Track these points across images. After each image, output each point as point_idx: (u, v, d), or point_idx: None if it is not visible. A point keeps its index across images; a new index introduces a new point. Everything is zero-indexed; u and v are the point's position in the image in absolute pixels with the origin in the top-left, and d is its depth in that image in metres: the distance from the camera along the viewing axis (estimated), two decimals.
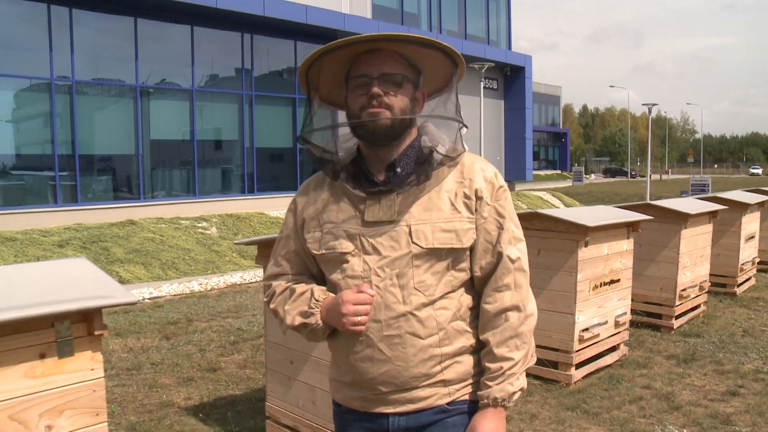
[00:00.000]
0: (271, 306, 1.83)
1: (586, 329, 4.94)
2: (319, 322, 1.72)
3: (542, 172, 54.13)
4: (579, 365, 4.99)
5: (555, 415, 4.33)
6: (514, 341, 1.69)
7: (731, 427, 4.18)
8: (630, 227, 5.45)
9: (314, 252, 1.76)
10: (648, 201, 6.46)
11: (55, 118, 14.17)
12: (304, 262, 1.83)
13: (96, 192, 15.19)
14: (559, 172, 59.24)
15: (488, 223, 1.72)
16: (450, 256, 1.68)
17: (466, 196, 1.71)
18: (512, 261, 1.71)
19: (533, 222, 4.95)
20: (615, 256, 5.27)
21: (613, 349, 5.44)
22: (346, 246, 1.69)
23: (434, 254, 1.67)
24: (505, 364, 1.68)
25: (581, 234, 4.78)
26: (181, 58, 16.38)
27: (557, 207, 23.11)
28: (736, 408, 4.50)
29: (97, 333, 2.11)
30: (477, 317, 1.75)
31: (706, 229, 7.02)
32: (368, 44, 1.68)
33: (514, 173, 25.87)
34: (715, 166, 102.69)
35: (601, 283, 5.10)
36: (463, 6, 24.49)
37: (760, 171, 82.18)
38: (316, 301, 1.73)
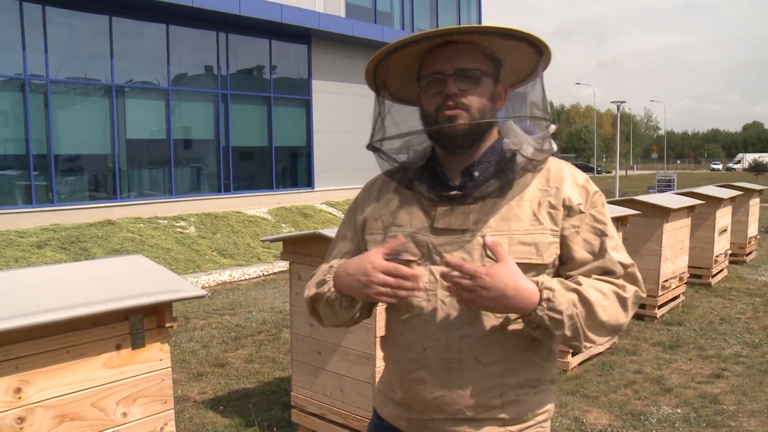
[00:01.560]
0: (305, 293, 1.67)
1: None
2: (332, 289, 1.56)
3: None
4: (574, 353, 5.24)
5: (557, 399, 4.57)
6: (597, 293, 1.44)
7: (720, 406, 4.47)
8: (619, 221, 5.72)
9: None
10: (633, 197, 6.75)
11: (29, 117, 14.06)
12: None
13: (72, 192, 15.09)
14: None
15: (585, 233, 1.53)
16: (528, 272, 1.45)
17: (552, 206, 1.53)
18: (625, 266, 1.52)
19: None
20: None
21: None
22: (412, 252, 1.54)
23: None
24: (575, 286, 1.44)
25: None
26: (157, 57, 16.33)
27: None
28: (722, 389, 4.80)
29: (167, 325, 2.26)
30: (550, 350, 1.58)
31: (685, 223, 7.34)
32: (439, 39, 1.53)
33: None
34: (678, 161, 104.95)
35: None
36: (435, 4, 24.75)
37: (720, 167, 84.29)
38: (331, 267, 1.60)
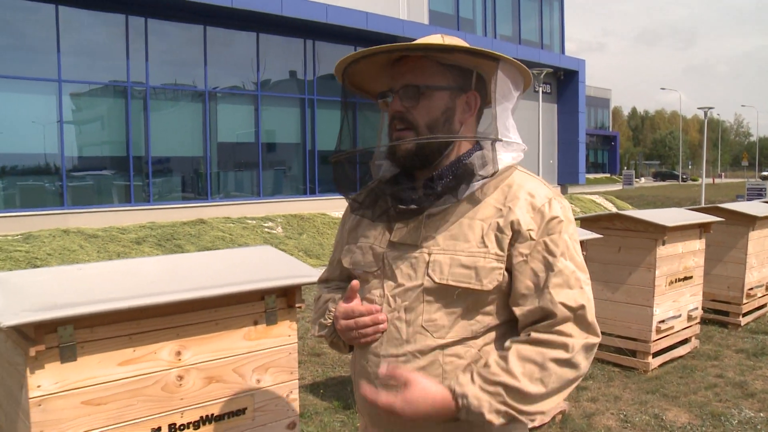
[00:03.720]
0: (312, 330, 1.76)
1: (663, 321, 5.34)
2: (334, 334, 1.65)
3: (591, 176, 53.86)
4: (655, 354, 5.39)
5: (636, 397, 4.75)
6: (532, 367, 1.38)
7: None
8: (702, 228, 5.82)
9: (345, 265, 1.67)
10: (717, 205, 6.80)
11: (131, 121, 14.98)
12: (348, 272, 1.71)
13: (166, 192, 15.96)
14: (608, 175, 58.81)
15: (533, 262, 1.44)
16: (466, 297, 1.44)
17: (499, 229, 1.44)
18: (570, 309, 1.41)
19: (614, 222, 5.36)
20: (688, 255, 5.65)
21: (685, 341, 5.81)
22: (370, 264, 1.57)
23: (446, 292, 1.45)
24: (498, 372, 1.38)
25: (660, 233, 5.18)
26: (247, 63, 17.09)
27: (610, 210, 23.24)
28: None
29: (296, 305, 2.63)
30: None
31: None
32: (388, 55, 1.52)
33: (566, 177, 26.07)
34: None
35: (676, 279, 5.49)
36: (517, 10, 24.82)
37: None
38: (330, 312, 1.65)
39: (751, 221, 6.65)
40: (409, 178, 1.56)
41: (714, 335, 6.46)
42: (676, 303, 5.54)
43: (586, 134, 54.70)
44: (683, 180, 62.42)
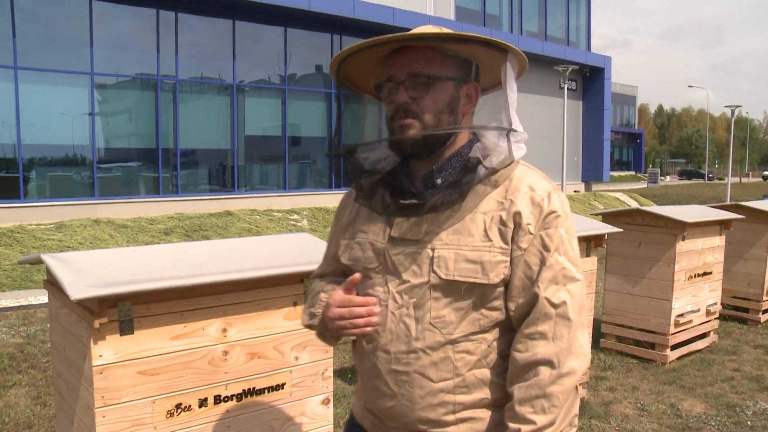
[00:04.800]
0: (302, 319, 1.74)
1: (681, 315, 5.47)
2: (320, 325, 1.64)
3: (616, 173, 53.65)
4: (674, 347, 5.52)
5: (654, 388, 4.89)
6: (540, 402, 1.41)
7: None
8: (722, 225, 5.93)
9: (343, 261, 1.64)
10: (739, 202, 6.89)
11: (160, 113, 15.27)
12: (343, 268, 1.70)
13: (194, 184, 16.25)
14: (633, 173, 58.53)
15: (529, 255, 1.46)
16: (474, 292, 1.45)
17: (502, 222, 1.46)
18: (554, 306, 1.44)
19: (635, 217, 5.50)
20: (708, 251, 5.77)
21: (704, 336, 5.93)
22: (370, 260, 1.55)
23: (453, 287, 1.45)
24: (525, 428, 1.41)
25: (680, 229, 5.30)
26: (275, 58, 17.32)
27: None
28: None
29: None
30: None
31: None
32: (397, 43, 1.48)
33: (591, 174, 26.05)
34: None
35: (695, 274, 5.61)
36: (543, 7, 24.82)
37: None
38: (321, 301, 1.62)
39: None
40: (407, 172, 1.57)
41: (733, 331, 6.57)
42: (695, 297, 5.66)
43: (611, 131, 54.49)
44: (709, 179, 61.86)
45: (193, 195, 15.82)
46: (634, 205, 24.58)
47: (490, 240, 1.45)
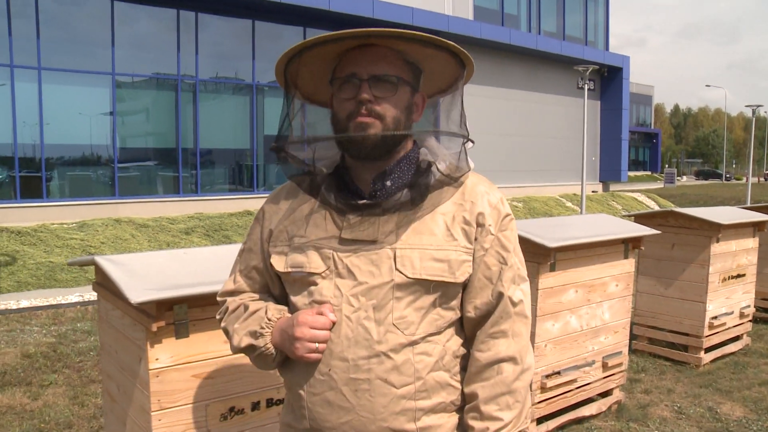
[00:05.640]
0: (222, 324, 1.63)
1: (715, 317, 5.42)
2: (269, 345, 1.51)
3: (632, 173, 53.29)
4: (707, 350, 5.48)
5: (690, 390, 4.86)
6: (505, 398, 1.44)
7: None
8: (756, 227, 5.88)
9: (279, 269, 1.53)
10: None
11: (180, 113, 15.34)
12: (266, 281, 1.62)
13: (214, 183, 16.32)
14: (649, 173, 58.19)
15: (489, 257, 1.48)
16: (438, 290, 1.44)
17: (466, 222, 1.47)
18: (514, 304, 1.48)
19: (668, 219, 5.46)
20: (742, 253, 5.72)
21: (737, 338, 5.88)
22: (316, 265, 1.46)
23: (420, 286, 1.43)
24: (493, 425, 1.43)
25: (714, 231, 5.26)
26: None
27: (652, 209, 23.08)
28: None
29: None
30: (464, 368, 1.51)
31: None
32: (359, 40, 1.45)
33: (608, 174, 25.92)
34: None
35: (729, 277, 5.57)
36: (561, 5, 24.71)
37: None
38: (269, 320, 1.52)
39: None
40: (348, 173, 1.53)
41: (765, 334, 6.50)
42: (728, 300, 5.61)
43: (628, 131, 54.26)
44: (727, 179, 61.39)
45: (213, 195, 15.88)
46: (652, 205, 24.44)
47: (454, 239, 1.45)
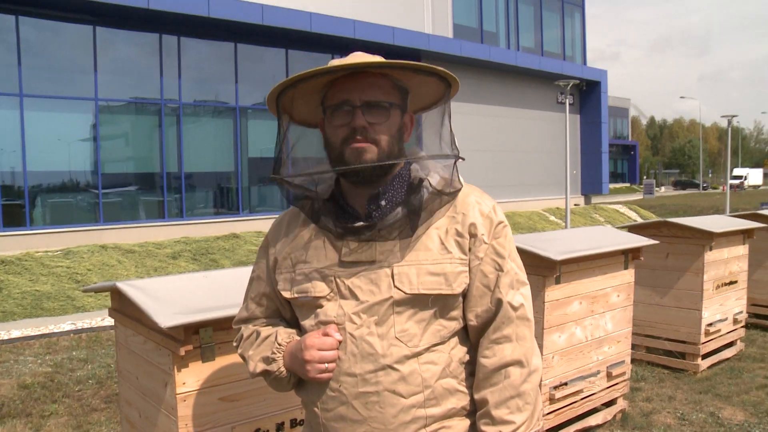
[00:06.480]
0: (239, 351, 1.71)
1: (711, 324, 5.52)
2: (282, 369, 1.58)
3: (611, 185, 53.72)
4: (704, 356, 5.56)
5: (690, 397, 4.93)
6: (515, 401, 1.48)
7: None
8: (745, 234, 6.00)
9: (286, 296, 1.60)
10: (757, 212, 6.97)
11: (164, 138, 15.32)
12: (276, 306, 1.69)
13: (199, 207, 16.26)
14: (628, 185, 58.72)
15: (485, 265, 1.52)
16: (437, 303, 1.49)
17: (459, 234, 1.52)
18: (514, 308, 1.52)
19: (661, 229, 5.56)
20: (733, 260, 5.83)
21: (731, 344, 5.98)
22: (320, 289, 1.53)
23: (419, 301, 1.48)
24: (505, 429, 1.48)
25: (707, 239, 5.36)
26: (277, 79, 17.36)
27: (635, 220, 23.33)
28: None
29: None
30: (471, 374, 1.55)
31: None
32: (351, 70, 1.50)
33: (589, 187, 26.18)
34: None
35: (722, 284, 5.67)
36: (539, 22, 25.05)
37: None
38: (279, 345, 1.59)
39: None
40: (344, 195, 1.57)
41: (757, 339, 6.61)
42: (722, 306, 5.71)
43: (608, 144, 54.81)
44: (704, 188, 62.22)
45: (198, 218, 15.81)
46: (634, 216, 24.70)
47: (449, 252, 1.50)
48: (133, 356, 2.71)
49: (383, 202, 1.50)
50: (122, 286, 2.51)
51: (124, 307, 2.71)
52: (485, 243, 1.52)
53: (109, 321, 8.58)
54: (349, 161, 1.48)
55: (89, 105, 14.25)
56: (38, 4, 13.13)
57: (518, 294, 1.54)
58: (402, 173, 1.55)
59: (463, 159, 1.54)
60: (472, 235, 1.52)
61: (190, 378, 2.36)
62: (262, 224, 16.11)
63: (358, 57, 1.51)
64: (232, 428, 2.46)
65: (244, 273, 2.82)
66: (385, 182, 1.53)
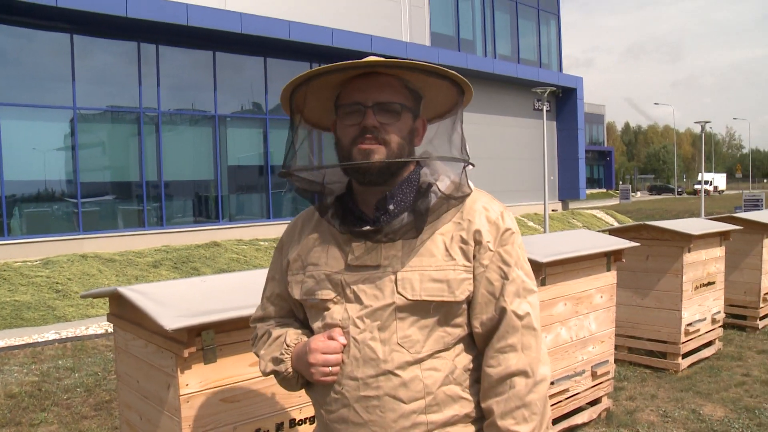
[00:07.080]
0: (253, 350, 1.73)
1: (690, 324, 5.66)
2: (290, 369, 1.60)
3: (588, 191, 54.27)
4: (684, 355, 5.70)
5: (672, 395, 5.05)
6: (521, 412, 1.47)
7: None
8: (722, 236, 6.16)
9: (296, 297, 1.62)
10: (733, 215, 7.15)
11: (143, 146, 15.27)
12: (290, 307, 1.71)
13: (179, 216, 16.22)
14: (604, 190, 59.41)
15: (490, 272, 1.51)
16: (440, 310, 1.49)
17: (463, 241, 1.51)
18: (519, 317, 1.50)
19: (641, 232, 5.69)
20: (711, 261, 5.98)
21: (710, 344, 6.13)
22: (327, 292, 1.54)
23: (421, 307, 1.48)
24: None
25: (686, 241, 5.51)
26: (256, 88, 17.43)
27: (612, 224, 23.62)
28: None
29: None
30: (477, 381, 1.54)
31: None
32: (364, 69, 1.50)
33: (567, 192, 26.46)
34: (765, 180, 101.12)
35: (700, 284, 5.82)
36: (515, 29, 25.33)
37: None
38: (287, 346, 1.61)
39: (765, 229, 6.99)
40: (353, 197, 1.59)
41: (734, 338, 6.77)
42: (701, 307, 5.86)
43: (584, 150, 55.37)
44: (679, 193, 63.13)
45: (178, 227, 15.76)
46: (611, 221, 25.01)
47: (453, 259, 1.49)
48: (133, 360, 2.75)
49: (392, 206, 1.51)
50: (124, 290, 2.56)
51: (123, 312, 2.76)
52: (490, 250, 1.51)
53: (94, 330, 8.55)
54: (357, 160, 1.49)
55: (67, 114, 14.18)
56: (14, 11, 13.04)
57: (525, 302, 1.52)
58: (411, 177, 1.55)
59: (473, 165, 1.54)
60: (477, 243, 1.51)
61: (193, 380, 2.42)
62: (242, 232, 16.11)
63: (373, 59, 1.51)
64: (233, 428, 2.51)
65: (240, 278, 2.90)
66: (394, 185, 1.53)
